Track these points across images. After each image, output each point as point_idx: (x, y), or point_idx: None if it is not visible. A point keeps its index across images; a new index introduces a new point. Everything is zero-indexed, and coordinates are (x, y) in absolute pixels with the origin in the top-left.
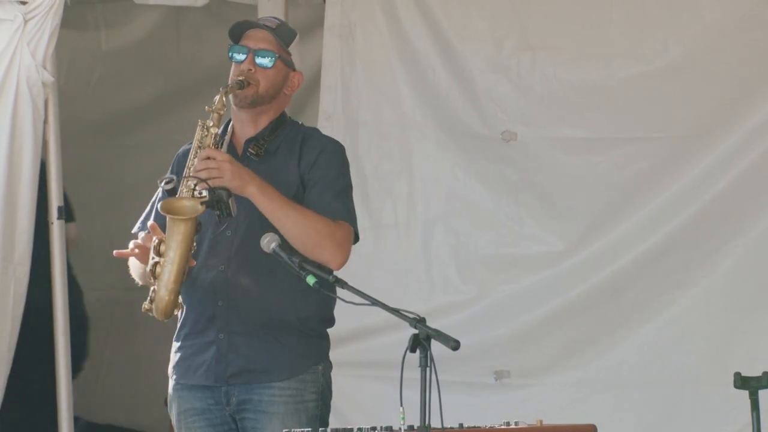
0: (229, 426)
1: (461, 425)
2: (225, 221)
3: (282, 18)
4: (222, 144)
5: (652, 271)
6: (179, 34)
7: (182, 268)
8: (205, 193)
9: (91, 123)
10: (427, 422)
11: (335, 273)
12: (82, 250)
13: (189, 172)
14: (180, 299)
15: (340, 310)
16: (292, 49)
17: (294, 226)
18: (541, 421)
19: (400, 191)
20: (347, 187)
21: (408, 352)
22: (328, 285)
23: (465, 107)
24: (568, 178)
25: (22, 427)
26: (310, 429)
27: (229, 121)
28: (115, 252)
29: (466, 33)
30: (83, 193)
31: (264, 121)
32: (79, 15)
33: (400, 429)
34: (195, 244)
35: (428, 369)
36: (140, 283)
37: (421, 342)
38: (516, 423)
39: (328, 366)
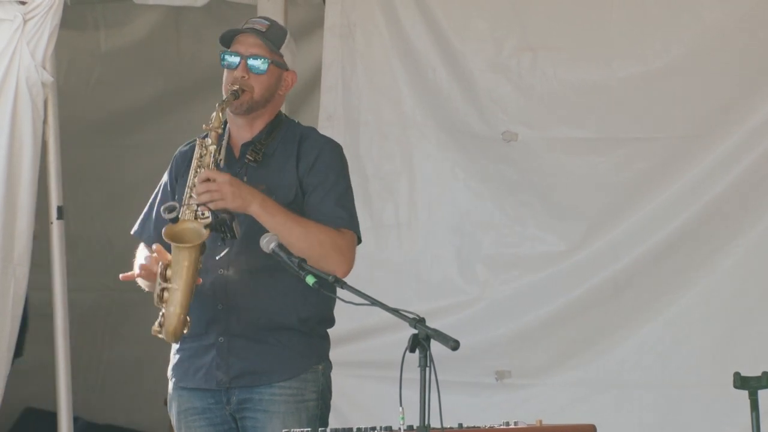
0: (229, 425)
1: (461, 425)
2: (230, 243)
3: (281, 18)
4: (220, 149)
5: (652, 271)
6: (179, 34)
7: (190, 293)
8: (207, 213)
9: (91, 123)
10: (426, 422)
11: None
12: (81, 251)
13: (190, 193)
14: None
15: (340, 310)
16: (287, 47)
17: (297, 240)
18: (540, 421)
19: (400, 191)
20: (347, 190)
21: (408, 352)
22: (328, 285)
23: (465, 107)
24: (568, 178)
25: None
26: (309, 429)
27: (226, 122)
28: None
29: (466, 33)
30: (82, 193)
31: (260, 125)
32: (78, 15)
33: (399, 429)
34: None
35: (428, 369)
36: (146, 290)
37: (420, 342)
38: (516, 423)
39: (328, 366)
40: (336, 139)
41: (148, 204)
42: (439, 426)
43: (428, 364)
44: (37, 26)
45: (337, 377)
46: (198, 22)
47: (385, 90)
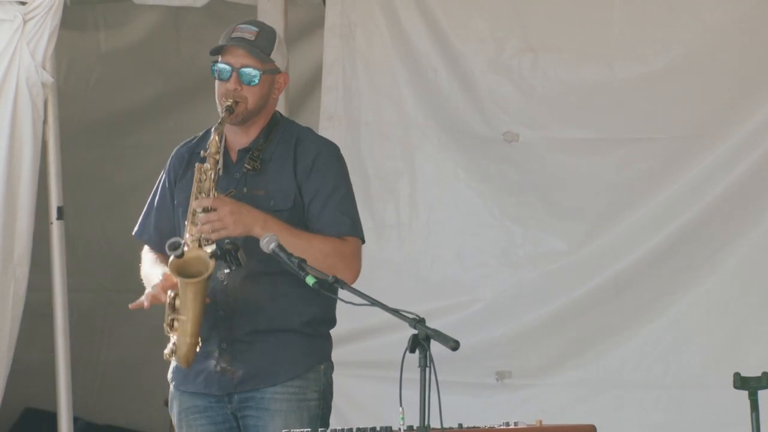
0: (230, 424)
1: (460, 425)
2: (237, 271)
3: (281, 18)
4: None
5: (653, 272)
6: (179, 34)
7: (199, 320)
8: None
9: (91, 123)
10: (426, 422)
11: None
12: (80, 251)
13: (192, 219)
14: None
15: (340, 310)
16: (278, 49)
17: (302, 254)
18: (540, 422)
19: (401, 192)
20: (347, 193)
21: (408, 352)
22: (328, 285)
23: (466, 108)
24: (569, 178)
25: None
26: (309, 429)
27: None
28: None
29: (466, 33)
30: (82, 193)
31: (256, 130)
32: (78, 15)
33: (399, 429)
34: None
35: (427, 369)
36: None
37: (420, 342)
38: (516, 423)
39: (330, 367)
40: (337, 140)
41: (147, 204)
42: (439, 426)
43: (428, 365)
44: (37, 27)
45: (337, 377)
46: (198, 23)
47: (386, 90)
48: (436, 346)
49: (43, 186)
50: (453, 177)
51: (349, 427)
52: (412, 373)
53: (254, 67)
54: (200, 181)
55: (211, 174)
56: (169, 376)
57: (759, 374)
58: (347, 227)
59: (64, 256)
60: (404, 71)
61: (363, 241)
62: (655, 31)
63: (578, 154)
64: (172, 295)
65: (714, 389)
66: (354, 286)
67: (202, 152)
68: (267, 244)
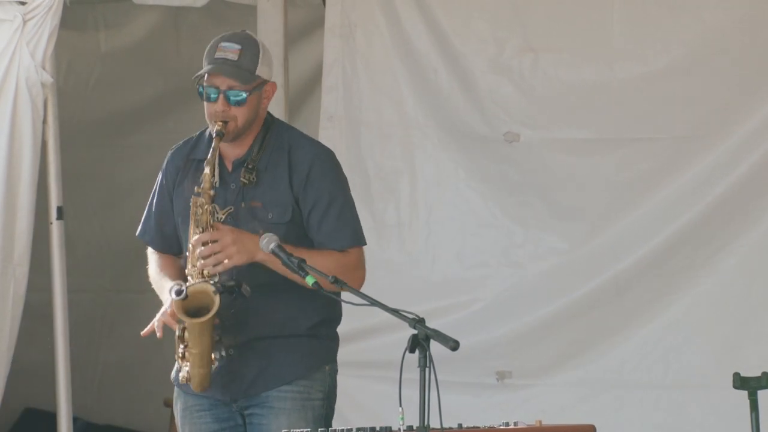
0: (235, 421)
1: (460, 425)
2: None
3: (281, 18)
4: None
5: (654, 272)
6: (179, 34)
7: (210, 351)
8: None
9: (91, 123)
10: (426, 422)
11: None
12: (78, 251)
13: (194, 251)
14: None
15: None
16: (263, 60)
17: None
18: (540, 422)
19: (402, 192)
20: (345, 202)
21: (407, 352)
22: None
23: (467, 108)
24: (570, 178)
25: None
26: (309, 430)
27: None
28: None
29: (466, 33)
30: (81, 193)
31: (249, 140)
32: (78, 15)
33: (399, 429)
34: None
35: (427, 369)
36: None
37: (420, 342)
38: (515, 423)
39: (335, 368)
40: (337, 140)
41: (147, 206)
42: (438, 426)
43: (428, 365)
44: (37, 27)
45: (337, 377)
46: (197, 23)
47: (386, 90)
48: (436, 346)
49: (43, 186)
50: (453, 177)
51: (348, 427)
52: (412, 373)
53: (240, 89)
54: (197, 214)
55: (207, 208)
56: (173, 376)
57: (759, 374)
58: (348, 239)
59: (64, 256)
60: (404, 71)
61: (365, 244)
62: (655, 31)
63: (578, 154)
64: (181, 327)
65: (714, 389)
66: None
67: (196, 188)
68: (267, 245)
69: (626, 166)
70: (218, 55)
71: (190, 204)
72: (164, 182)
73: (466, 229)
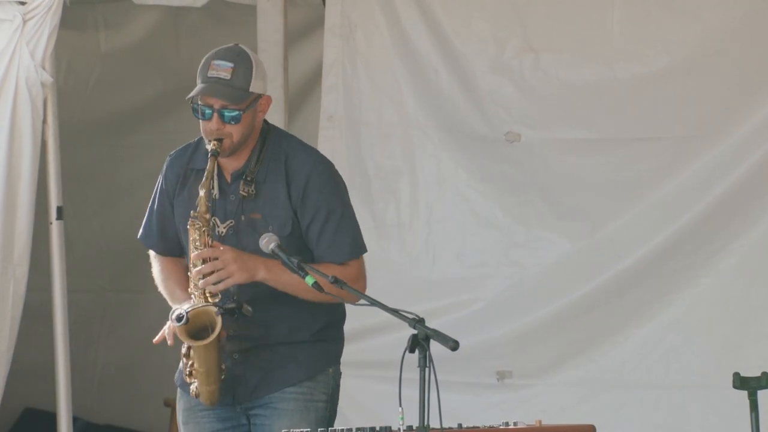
0: (238, 421)
1: (460, 425)
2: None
3: (281, 18)
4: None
5: (655, 272)
6: (178, 34)
7: (216, 368)
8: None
9: (91, 123)
10: (426, 422)
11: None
12: (78, 251)
13: (195, 273)
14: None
15: None
16: (257, 74)
17: (307, 292)
18: (540, 422)
19: (402, 192)
20: (344, 213)
21: (407, 352)
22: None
23: (467, 108)
24: (571, 178)
25: None
26: (308, 430)
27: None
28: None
29: (467, 34)
30: (81, 193)
31: (247, 152)
32: (78, 15)
33: (399, 429)
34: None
35: (427, 369)
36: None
37: (420, 342)
38: (515, 423)
39: (338, 370)
40: (337, 140)
41: (148, 210)
42: (438, 426)
43: (428, 365)
44: (37, 26)
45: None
46: (197, 23)
47: (386, 90)
48: (436, 346)
49: (43, 186)
50: (454, 177)
51: (348, 427)
52: (412, 373)
53: (234, 108)
54: (196, 236)
55: (205, 231)
56: (176, 376)
57: (759, 374)
58: (347, 252)
59: (64, 256)
60: (404, 71)
61: (365, 252)
62: (655, 31)
63: (579, 154)
64: (187, 346)
65: (714, 389)
66: None
67: (192, 212)
68: (267, 245)
69: (626, 166)
70: (211, 74)
71: (188, 227)
72: (165, 187)
73: (467, 229)
